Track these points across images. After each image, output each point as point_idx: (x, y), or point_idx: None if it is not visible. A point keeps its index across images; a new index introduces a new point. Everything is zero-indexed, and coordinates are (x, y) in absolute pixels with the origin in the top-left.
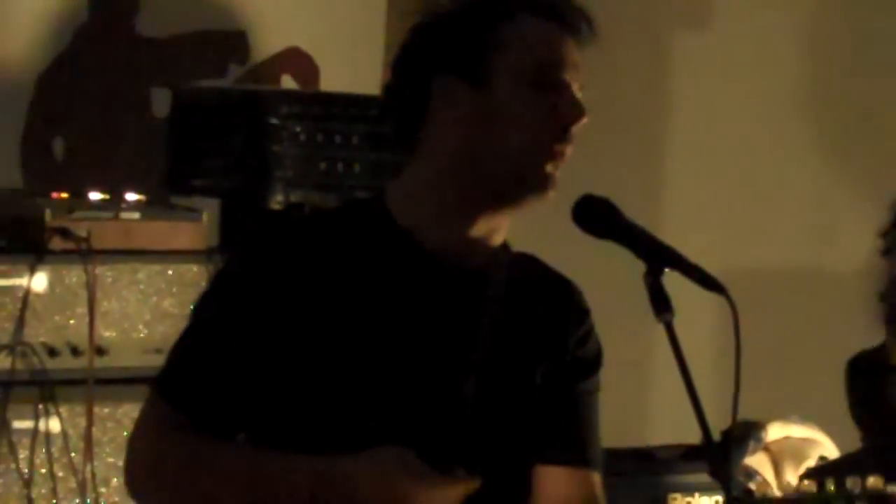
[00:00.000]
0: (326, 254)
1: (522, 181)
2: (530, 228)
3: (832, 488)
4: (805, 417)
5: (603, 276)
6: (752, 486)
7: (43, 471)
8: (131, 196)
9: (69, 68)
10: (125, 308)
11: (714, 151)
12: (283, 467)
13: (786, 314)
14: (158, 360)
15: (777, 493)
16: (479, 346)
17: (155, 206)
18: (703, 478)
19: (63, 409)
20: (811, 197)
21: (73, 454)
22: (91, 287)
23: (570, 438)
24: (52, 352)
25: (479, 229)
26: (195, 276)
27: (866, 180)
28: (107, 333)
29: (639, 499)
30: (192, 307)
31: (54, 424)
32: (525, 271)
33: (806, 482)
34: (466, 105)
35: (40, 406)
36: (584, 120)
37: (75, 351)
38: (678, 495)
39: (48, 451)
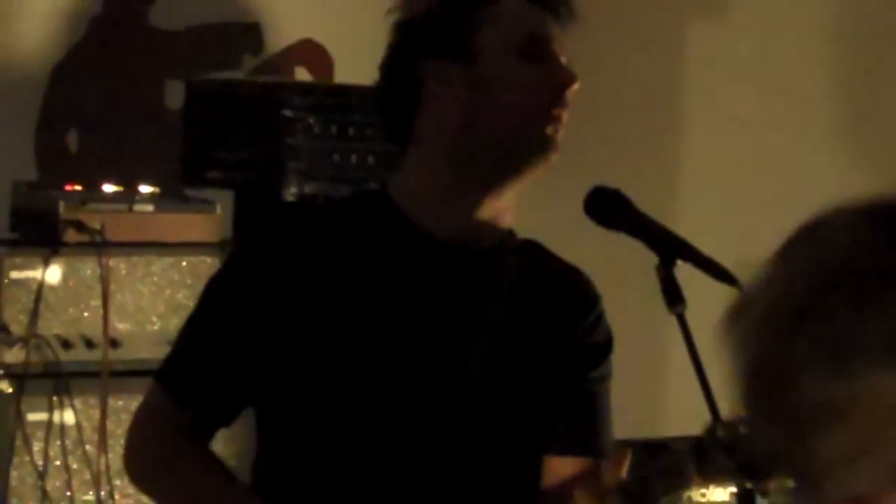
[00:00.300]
0: (332, 245)
1: (523, 144)
2: (542, 220)
3: None
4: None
5: (615, 268)
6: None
7: (57, 463)
8: (145, 188)
9: (83, 61)
10: (139, 300)
11: (729, 144)
12: None
13: None
14: None
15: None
16: (485, 331)
17: (169, 199)
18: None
19: (77, 402)
20: (827, 190)
21: (87, 446)
22: (105, 279)
23: (579, 429)
24: (67, 344)
25: (485, 211)
26: (209, 269)
27: (885, 172)
28: (121, 326)
29: None
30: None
31: (68, 417)
32: (531, 258)
33: None
34: (459, 83)
35: (54, 398)
36: (576, 85)
37: (89, 343)
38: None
39: (62, 444)
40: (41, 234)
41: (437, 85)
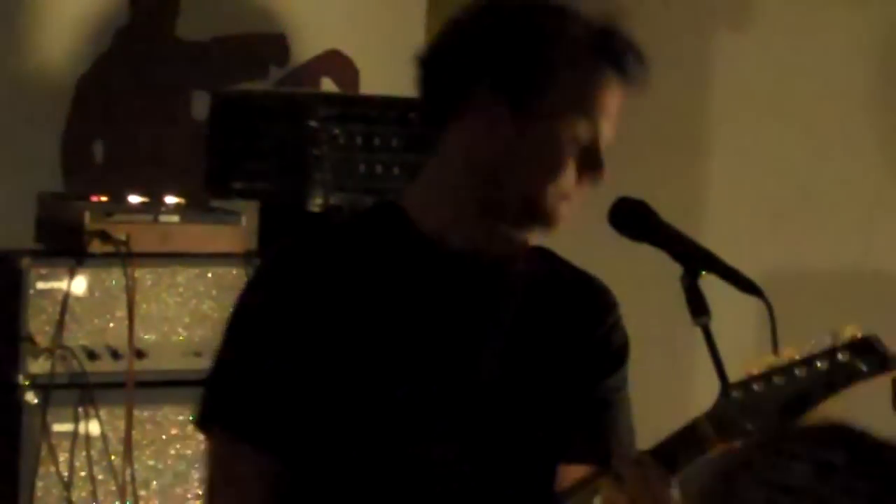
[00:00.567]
0: (351, 261)
1: (533, 215)
2: (566, 231)
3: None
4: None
5: (640, 280)
6: None
7: (83, 473)
8: (171, 199)
9: (109, 71)
10: (164, 311)
11: (756, 153)
12: None
13: (826, 317)
14: (198, 363)
15: None
16: (499, 339)
17: (194, 209)
18: None
19: (103, 412)
20: (854, 199)
21: (112, 457)
22: (130, 290)
23: (594, 437)
24: (92, 355)
25: (497, 234)
26: (234, 280)
27: None
28: (146, 336)
29: None
30: (226, 324)
31: (94, 427)
32: (543, 264)
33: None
34: (503, 128)
35: (80, 409)
36: (601, 178)
37: (115, 354)
38: None
39: (88, 454)
40: (67, 245)
41: (479, 116)
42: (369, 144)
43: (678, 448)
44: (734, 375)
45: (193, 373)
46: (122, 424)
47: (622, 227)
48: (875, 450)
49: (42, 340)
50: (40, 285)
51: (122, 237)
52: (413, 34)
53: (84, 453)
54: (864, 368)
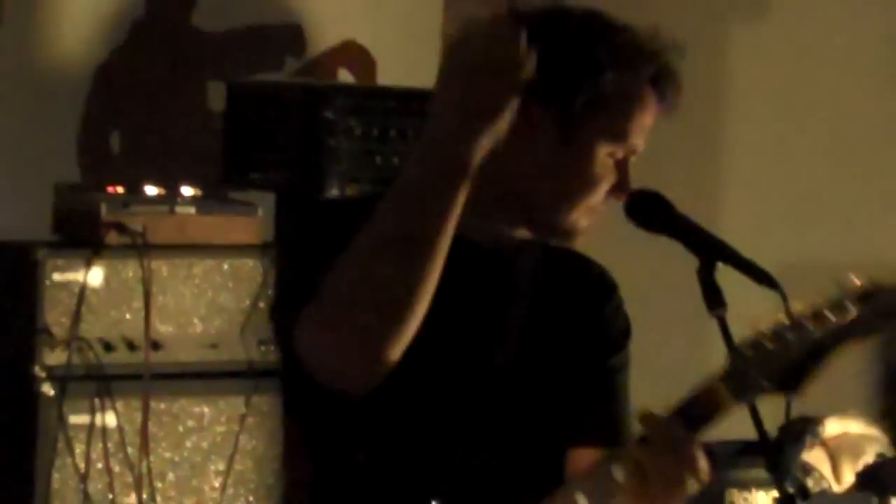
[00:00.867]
0: None
1: (554, 228)
2: None
3: None
4: (863, 413)
5: (655, 271)
6: (810, 481)
7: (99, 465)
8: (187, 190)
9: (126, 63)
10: (181, 302)
11: (771, 146)
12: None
13: None
14: (214, 355)
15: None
16: (512, 323)
17: (210, 201)
18: (761, 473)
19: (119, 404)
20: (870, 192)
21: (129, 449)
22: (147, 282)
23: (602, 419)
24: (108, 346)
25: (515, 231)
26: (250, 271)
27: None
28: (162, 328)
29: (696, 494)
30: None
31: (110, 419)
32: (554, 251)
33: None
34: (547, 142)
35: (96, 401)
36: (625, 196)
37: (131, 345)
38: (735, 490)
39: (104, 446)
40: (83, 237)
41: (525, 123)
42: (385, 136)
43: (694, 410)
44: None
45: (210, 364)
46: (138, 416)
47: (638, 219)
48: None
49: (58, 332)
50: (57, 277)
51: (139, 228)
52: (430, 25)
53: (100, 445)
54: (875, 319)
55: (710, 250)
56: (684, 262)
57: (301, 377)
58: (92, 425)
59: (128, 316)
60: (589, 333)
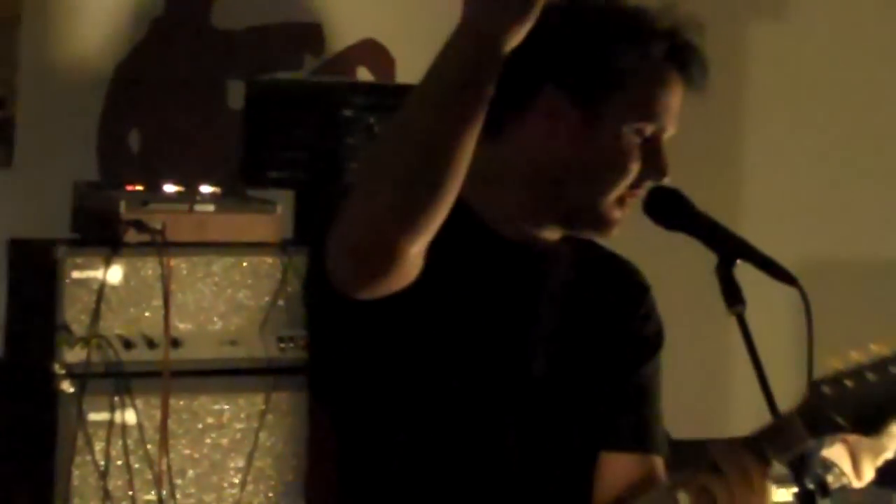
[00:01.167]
0: None
1: (591, 218)
2: None
3: None
4: None
5: (674, 268)
6: (830, 477)
7: (119, 463)
8: (206, 188)
9: (145, 61)
10: (200, 300)
11: (790, 144)
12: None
13: (862, 306)
14: (233, 352)
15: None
16: (546, 326)
17: (230, 199)
18: (780, 469)
19: (139, 402)
20: (888, 189)
21: (148, 446)
22: (166, 279)
23: (633, 424)
24: (128, 344)
25: (548, 229)
26: (270, 269)
27: None
28: (182, 325)
29: None
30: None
31: (130, 416)
32: (587, 252)
33: None
34: (566, 127)
35: (116, 398)
36: (665, 180)
37: (151, 343)
38: None
39: (124, 443)
40: (102, 234)
41: (545, 114)
42: None
43: (768, 442)
44: (771, 366)
45: (229, 362)
46: (157, 413)
47: (657, 216)
48: None
49: (78, 329)
50: (76, 274)
51: (158, 226)
52: (449, 23)
53: (120, 442)
54: None
55: (729, 247)
56: (703, 260)
57: (333, 330)
58: (111, 422)
59: (147, 313)
60: (622, 336)
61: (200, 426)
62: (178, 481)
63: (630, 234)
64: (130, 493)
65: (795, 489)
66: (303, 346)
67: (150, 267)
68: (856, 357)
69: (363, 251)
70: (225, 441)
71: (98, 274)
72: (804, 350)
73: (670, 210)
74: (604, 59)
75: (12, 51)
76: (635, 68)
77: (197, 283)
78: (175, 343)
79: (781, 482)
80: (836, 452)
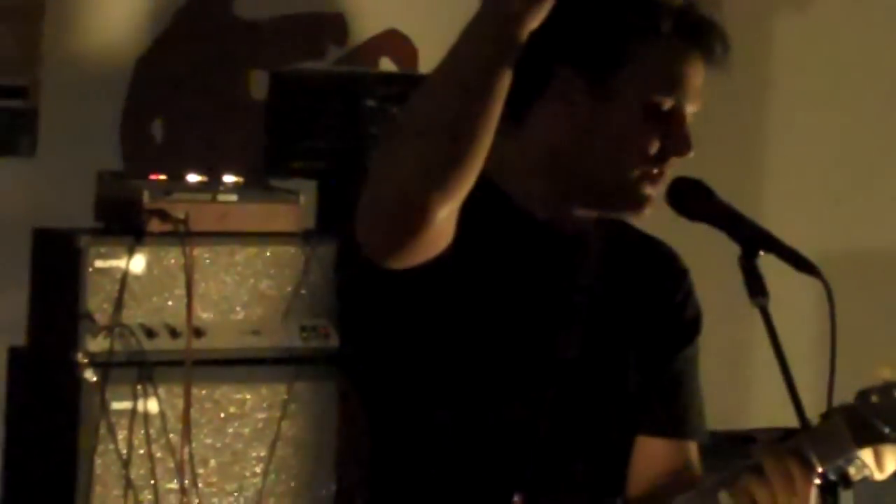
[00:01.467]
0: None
1: (617, 193)
2: None
3: None
4: None
5: (697, 259)
6: (852, 469)
7: (141, 451)
8: (229, 178)
9: (168, 52)
10: (222, 290)
11: (814, 135)
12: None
13: (886, 297)
14: (256, 342)
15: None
16: (579, 307)
17: (252, 189)
18: None
19: (161, 391)
20: None
21: (171, 435)
22: (189, 269)
23: (669, 409)
24: (150, 333)
25: (578, 211)
26: (292, 258)
27: None
28: (204, 315)
29: None
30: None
31: (152, 405)
32: (623, 234)
33: None
34: (582, 107)
35: (138, 387)
36: (690, 154)
37: (173, 332)
38: None
39: (146, 432)
40: (126, 224)
41: (559, 95)
42: None
43: (813, 448)
44: (794, 357)
45: (251, 351)
46: (180, 402)
47: (679, 207)
48: None
49: (101, 318)
50: (99, 264)
51: (181, 216)
52: (471, 13)
53: (142, 431)
54: None
55: (752, 238)
56: (726, 251)
57: (365, 295)
58: (134, 411)
59: (170, 303)
60: (660, 321)
61: (223, 415)
62: (200, 470)
63: (653, 225)
64: (153, 481)
65: (818, 481)
66: (325, 335)
67: (172, 256)
68: None
69: (392, 211)
70: (247, 430)
71: (121, 263)
72: (827, 341)
73: (693, 200)
74: (613, 37)
75: (36, 41)
76: (646, 44)
77: (220, 273)
78: (197, 332)
79: (877, 447)
80: None
